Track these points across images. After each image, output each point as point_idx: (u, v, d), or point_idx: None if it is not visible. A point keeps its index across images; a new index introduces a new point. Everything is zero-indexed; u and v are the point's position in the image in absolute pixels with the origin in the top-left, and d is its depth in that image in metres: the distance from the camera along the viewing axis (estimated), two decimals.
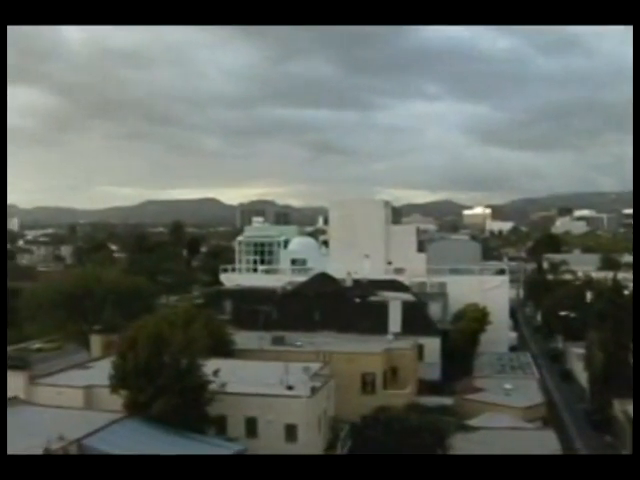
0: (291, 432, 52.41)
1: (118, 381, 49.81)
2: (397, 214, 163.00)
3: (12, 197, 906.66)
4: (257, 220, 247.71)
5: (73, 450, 40.12)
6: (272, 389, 54.22)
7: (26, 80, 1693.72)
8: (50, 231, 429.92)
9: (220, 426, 52.14)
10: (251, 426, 52.94)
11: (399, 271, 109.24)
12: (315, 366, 60.64)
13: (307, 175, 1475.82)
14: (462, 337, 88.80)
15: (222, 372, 51.93)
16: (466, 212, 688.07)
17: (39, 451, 37.86)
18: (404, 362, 71.88)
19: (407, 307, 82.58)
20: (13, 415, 47.33)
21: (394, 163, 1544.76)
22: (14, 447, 37.32)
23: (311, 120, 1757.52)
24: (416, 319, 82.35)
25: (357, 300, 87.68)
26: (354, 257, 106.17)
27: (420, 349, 78.66)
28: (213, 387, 50.77)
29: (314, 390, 54.47)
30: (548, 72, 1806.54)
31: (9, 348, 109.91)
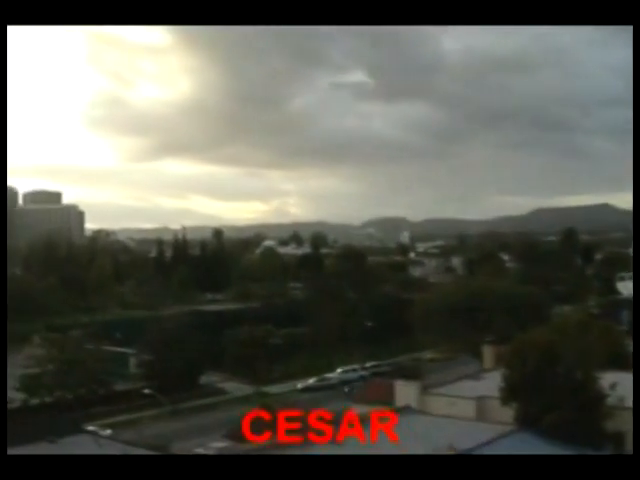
0: None
1: (507, 393, 48.89)
2: None
3: (403, 211, 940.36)
4: None
5: None
6: None
7: (411, 95, 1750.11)
8: (440, 242, 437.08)
9: (617, 443, 49.34)
10: None
11: None
12: None
13: None
14: None
15: (620, 386, 49.18)
16: None
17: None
18: None
19: None
20: (405, 423, 48.26)
21: None
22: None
23: None
24: None
25: None
26: None
27: None
28: (611, 401, 48.19)
29: None
30: None
31: (403, 358, 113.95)
